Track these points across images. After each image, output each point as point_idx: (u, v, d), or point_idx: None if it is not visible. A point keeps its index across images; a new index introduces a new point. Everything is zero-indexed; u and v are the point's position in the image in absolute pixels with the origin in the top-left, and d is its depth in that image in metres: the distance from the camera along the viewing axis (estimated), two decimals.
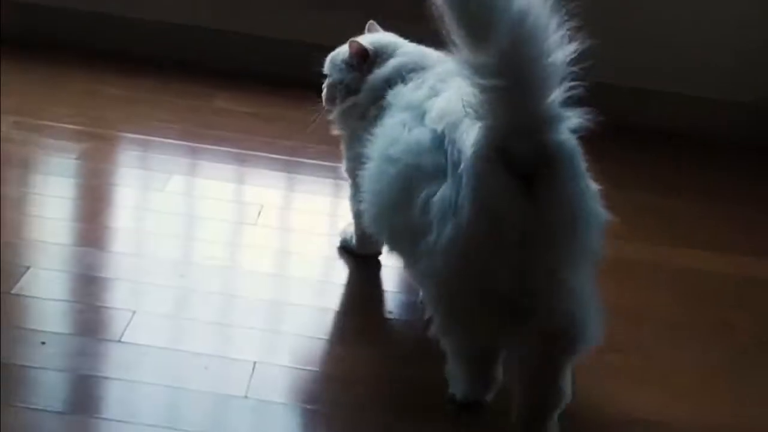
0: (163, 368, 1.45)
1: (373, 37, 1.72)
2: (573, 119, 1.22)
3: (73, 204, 1.94)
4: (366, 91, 1.64)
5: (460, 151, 1.27)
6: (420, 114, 1.41)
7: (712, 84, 2.59)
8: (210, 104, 2.42)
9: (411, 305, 1.69)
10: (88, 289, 1.64)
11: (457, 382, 1.42)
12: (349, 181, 1.74)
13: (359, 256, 1.82)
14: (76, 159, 2.08)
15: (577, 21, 1.20)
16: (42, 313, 1.56)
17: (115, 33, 2.59)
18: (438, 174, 1.30)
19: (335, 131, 1.76)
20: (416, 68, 1.58)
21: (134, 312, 1.56)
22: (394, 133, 1.42)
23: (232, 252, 1.86)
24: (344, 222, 1.85)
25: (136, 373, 1.43)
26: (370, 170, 1.44)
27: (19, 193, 1.92)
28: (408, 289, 1.73)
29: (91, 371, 1.43)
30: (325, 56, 1.75)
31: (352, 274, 1.81)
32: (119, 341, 1.50)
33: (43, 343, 1.46)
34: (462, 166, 1.25)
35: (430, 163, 1.32)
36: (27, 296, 1.58)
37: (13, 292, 1.57)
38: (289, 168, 2.18)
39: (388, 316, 1.72)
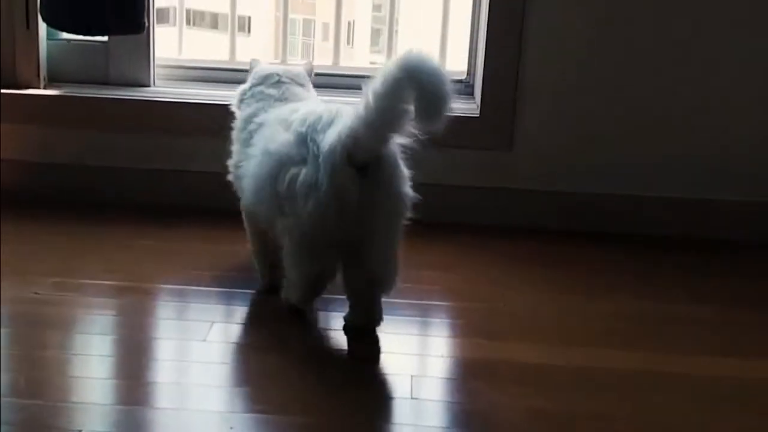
0: None
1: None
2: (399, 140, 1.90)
3: (115, 362, 1.93)
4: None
5: (319, 147, 1.90)
6: (288, 124, 2.01)
7: (733, 187, 2.59)
8: (244, 248, 2.42)
9: None
10: None
11: (294, 291, 2.06)
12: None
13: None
14: (115, 315, 2.08)
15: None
16: None
17: (142, 186, 2.63)
18: (301, 161, 1.92)
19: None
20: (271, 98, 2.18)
21: None
22: (271, 136, 2.02)
23: None
24: None
25: None
26: (253, 161, 2.05)
27: (62, 356, 1.91)
28: None
29: None
30: None
31: None
32: None
33: None
34: (321, 157, 1.88)
35: (296, 153, 1.94)
36: None
37: None
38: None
39: None
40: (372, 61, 6.32)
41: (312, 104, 2.08)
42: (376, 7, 6.59)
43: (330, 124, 1.92)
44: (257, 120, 2.13)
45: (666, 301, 2.26)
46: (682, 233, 2.60)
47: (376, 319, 2.05)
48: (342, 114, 1.93)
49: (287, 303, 2.08)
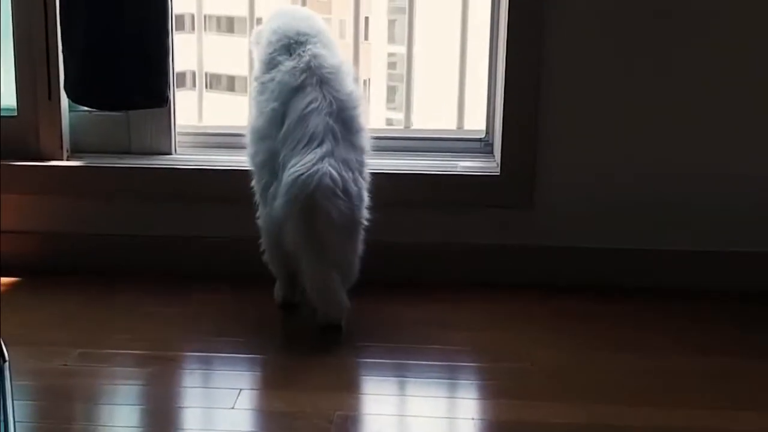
0: None
1: None
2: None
3: None
4: None
5: (284, 173, 2.22)
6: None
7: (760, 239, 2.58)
8: (268, 313, 2.43)
9: None
10: None
11: (278, 293, 2.41)
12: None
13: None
14: (142, 385, 2.08)
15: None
16: None
17: (165, 253, 2.64)
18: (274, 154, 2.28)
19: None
20: None
21: None
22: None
23: None
24: None
25: None
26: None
27: (90, 428, 1.91)
28: None
29: None
30: None
31: None
32: None
33: None
34: (282, 187, 2.20)
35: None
36: None
37: None
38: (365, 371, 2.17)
39: None
40: (388, 118, 6.36)
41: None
42: (391, 65, 6.65)
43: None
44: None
45: (695, 354, 2.24)
46: (707, 286, 2.58)
47: (341, 310, 2.28)
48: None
49: (276, 302, 2.42)
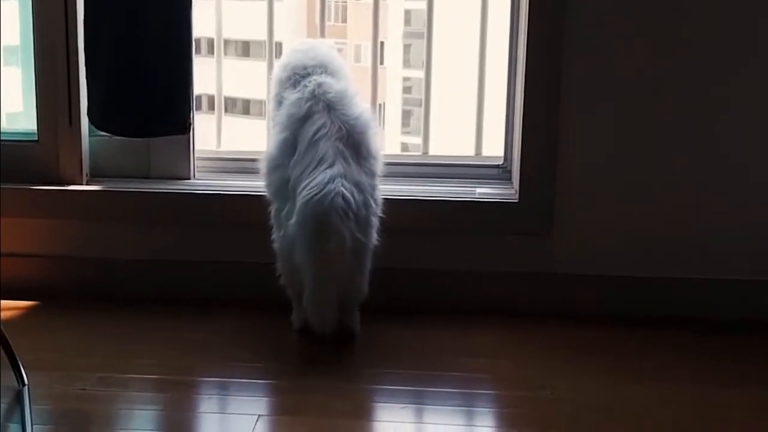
0: None
1: None
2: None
3: None
4: None
5: (296, 196, 2.27)
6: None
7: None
8: (285, 337, 2.43)
9: None
10: None
11: (295, 317, 2.42)
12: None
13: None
14: (160, 410, 2.08)
15: None
16: None
17: (184, 278, 2.65)
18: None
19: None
20: None
21: None
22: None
23: None
24: None
25: None
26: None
27: None
28: None
29: None
30: None
31: None
32: None
33: None
34: (297, 207, 2.25)
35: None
36: None
37: None
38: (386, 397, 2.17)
39: None
40: (403, 142, 6.37)
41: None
42: (407, 89, 6.67)
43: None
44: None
45: (720, 386, 2.22)
46: (729, 314, 2.57)
47: (351, 326, 2.38)
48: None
49: (294, 326, 2.44)
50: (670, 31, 2.49)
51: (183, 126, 2.43)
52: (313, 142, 2.29)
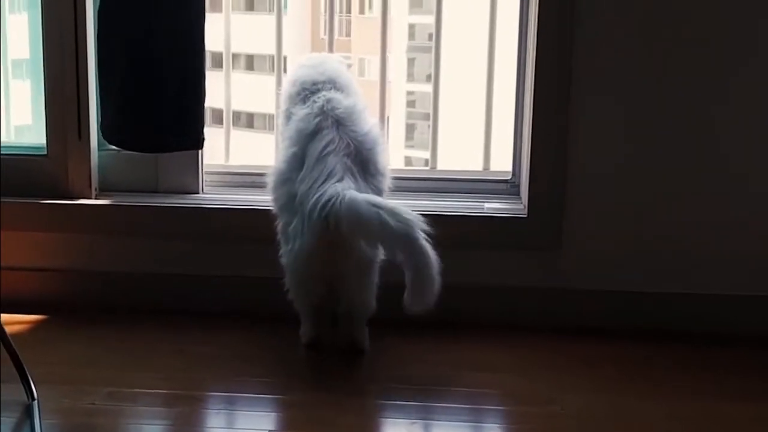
0: None
1: None
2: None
3: None
4: None
5: (304, 207, 2.26)
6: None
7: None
8: (293, 351, 2.43)
9: None
10: None
11: (304, 331, 2.42)
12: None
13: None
14: (168, 425, 2.08)
15: None
16: None
17: (192, 292, 2.65)
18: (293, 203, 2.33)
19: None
20: None
21: None
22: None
23: None
24: None
25: None
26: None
27: None
28: None
29: None
30: None
31: None
32: None
33: None
34: (305, 219, 2.25)
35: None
36: None
37: None
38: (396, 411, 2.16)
39: None
40: (407, 156, 6.39)
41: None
42: (410, 104, 6.68)
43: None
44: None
45: (730, 400, 2.22)
46: (740, 330, 2.56)
47: (360, 341, 2.39)
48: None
49: (302, 340, 2.44)
50: (681, 45, 2.49)
51: (197, 141, 2.44)
52: (322, 158, 2.29)
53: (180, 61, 2.35)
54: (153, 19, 2.36)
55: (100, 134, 2.60)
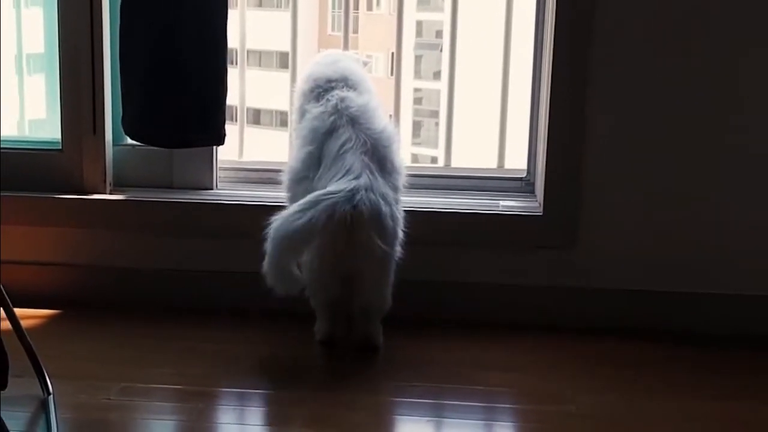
0: None
1: None
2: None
3: None
4: None
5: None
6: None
7: None
8: (306, 348, 2.43)
9: None
10: None
11: (318, 328, 2.42)
12: None
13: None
14: (183, 421, 2.08)
15: None
16: None
17: (207, 288, 2.65)
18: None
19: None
20: None
21: None
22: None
23: None
24: None
25: None
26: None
27: None
28: None
29: None
30: None
31: None
32: None
33: None
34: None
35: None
36: None
37: None
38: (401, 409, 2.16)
39: None
40: (413, 153, 6.38)
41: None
42: (417, 101, 6.67)
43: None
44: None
45: (738, 399, 2.21)
46: (756, 330, 2.55)
47: (374, 338, 2.39)
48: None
49: (317, 337, 2.43)
50: (700, 45, 2.49)
51: (218, 136, 2.43)
52: (340, 155, 2.30)
53: (203, 55, 2.34)
54: (176, 14, 2.35)
55: (119, 129, 2.59)
